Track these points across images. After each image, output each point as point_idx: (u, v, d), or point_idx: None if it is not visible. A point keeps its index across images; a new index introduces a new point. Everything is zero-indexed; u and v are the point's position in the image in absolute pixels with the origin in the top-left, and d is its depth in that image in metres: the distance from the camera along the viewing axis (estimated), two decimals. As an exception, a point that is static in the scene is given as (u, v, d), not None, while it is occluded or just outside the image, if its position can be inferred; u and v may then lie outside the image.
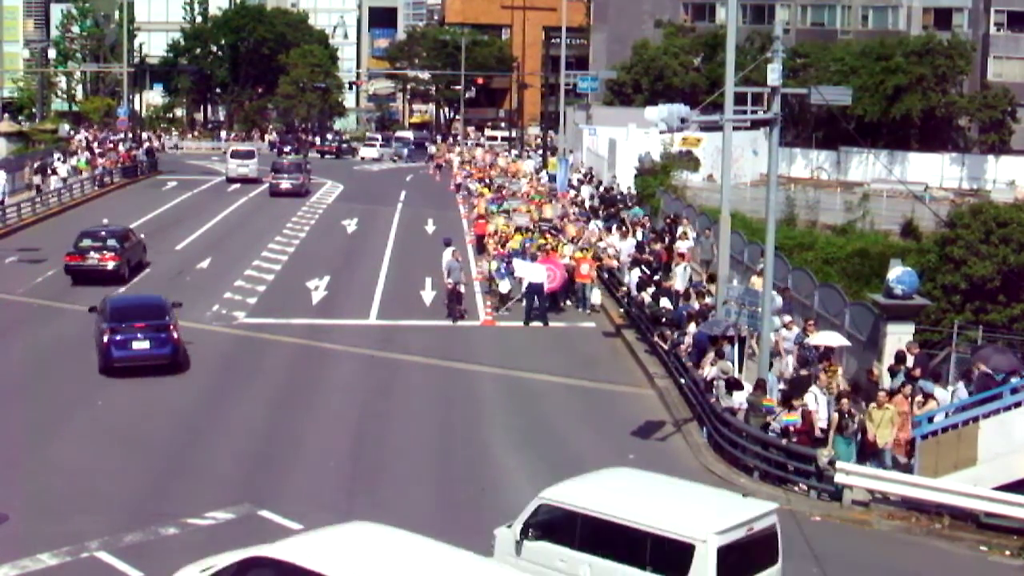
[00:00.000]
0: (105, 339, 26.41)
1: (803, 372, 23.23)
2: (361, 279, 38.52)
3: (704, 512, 14.32)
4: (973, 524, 19.16)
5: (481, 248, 41.06)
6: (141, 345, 26.49)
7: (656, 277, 32.53)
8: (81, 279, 35.85)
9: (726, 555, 13.54)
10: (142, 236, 40.61)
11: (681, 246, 34.90)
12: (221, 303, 34.03)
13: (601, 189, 54.99)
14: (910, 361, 22.78)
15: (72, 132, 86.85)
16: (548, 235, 38.05)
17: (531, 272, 32.19)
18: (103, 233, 37.72)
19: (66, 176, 59.79)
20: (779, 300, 26.98)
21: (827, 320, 27.56)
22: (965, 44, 74.79)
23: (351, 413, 24.37)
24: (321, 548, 12.99)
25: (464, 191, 59.49)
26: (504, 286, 33.81)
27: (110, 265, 36.09)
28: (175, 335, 26.90)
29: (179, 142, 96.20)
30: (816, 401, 21.40)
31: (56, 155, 65.45)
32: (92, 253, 36.29)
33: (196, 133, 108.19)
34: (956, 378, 23.70)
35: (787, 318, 26.36)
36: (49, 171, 59.36)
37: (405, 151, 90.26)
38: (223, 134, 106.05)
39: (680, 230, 37.24)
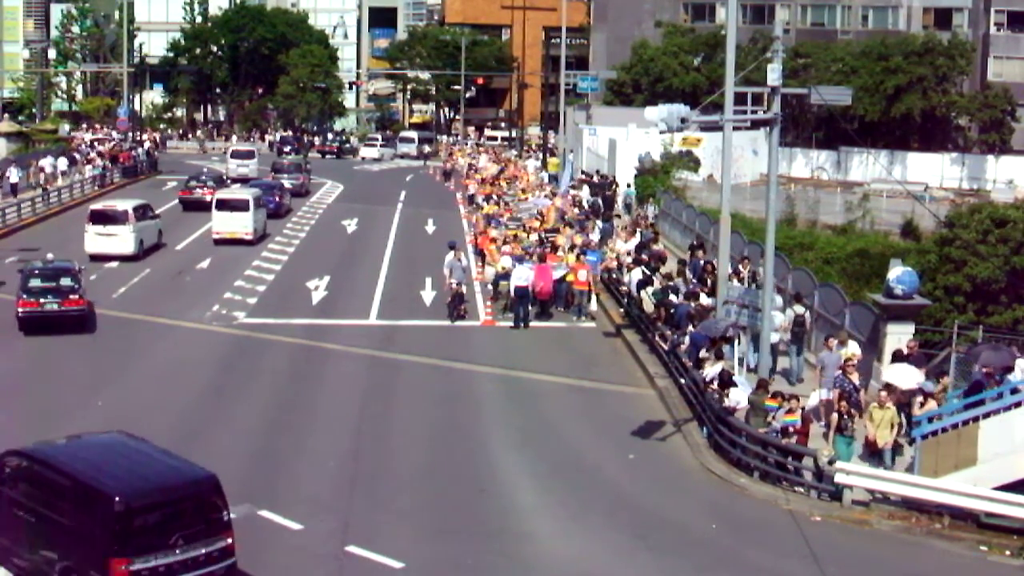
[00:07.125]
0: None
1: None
2: (361, 279, 38.50)
3: None
4: (973, 524, 19.14)
5: (483, 257, 40.70)
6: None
7: (665, 272, 32.43)
8: (189, 207, 51.56)
9: None
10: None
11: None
12: (221, 303, 34.01)
13: (582, 174, 54.77)
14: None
15: (72, 132, 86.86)
16: (548, 240, 37.73)
17: (518, 275, 32.18)
18: (204, 177, 55.30)
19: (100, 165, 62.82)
20: (779, 300, 26.93)
21: (827, 320, 27.58)
22: (965, 44, 74.82)
23: (351, 413, 24.35)
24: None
25: (471, 200, 59.08)
26: (505, 263, 33.73)
27: (207, 198, 49.12)
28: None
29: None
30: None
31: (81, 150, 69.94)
32: (197, 190, 52.75)
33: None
34: (956, 378, 23.70)
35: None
36: (81, 161, 62.76)
37: (414, 149, 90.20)
38: (165, 131, 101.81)
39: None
